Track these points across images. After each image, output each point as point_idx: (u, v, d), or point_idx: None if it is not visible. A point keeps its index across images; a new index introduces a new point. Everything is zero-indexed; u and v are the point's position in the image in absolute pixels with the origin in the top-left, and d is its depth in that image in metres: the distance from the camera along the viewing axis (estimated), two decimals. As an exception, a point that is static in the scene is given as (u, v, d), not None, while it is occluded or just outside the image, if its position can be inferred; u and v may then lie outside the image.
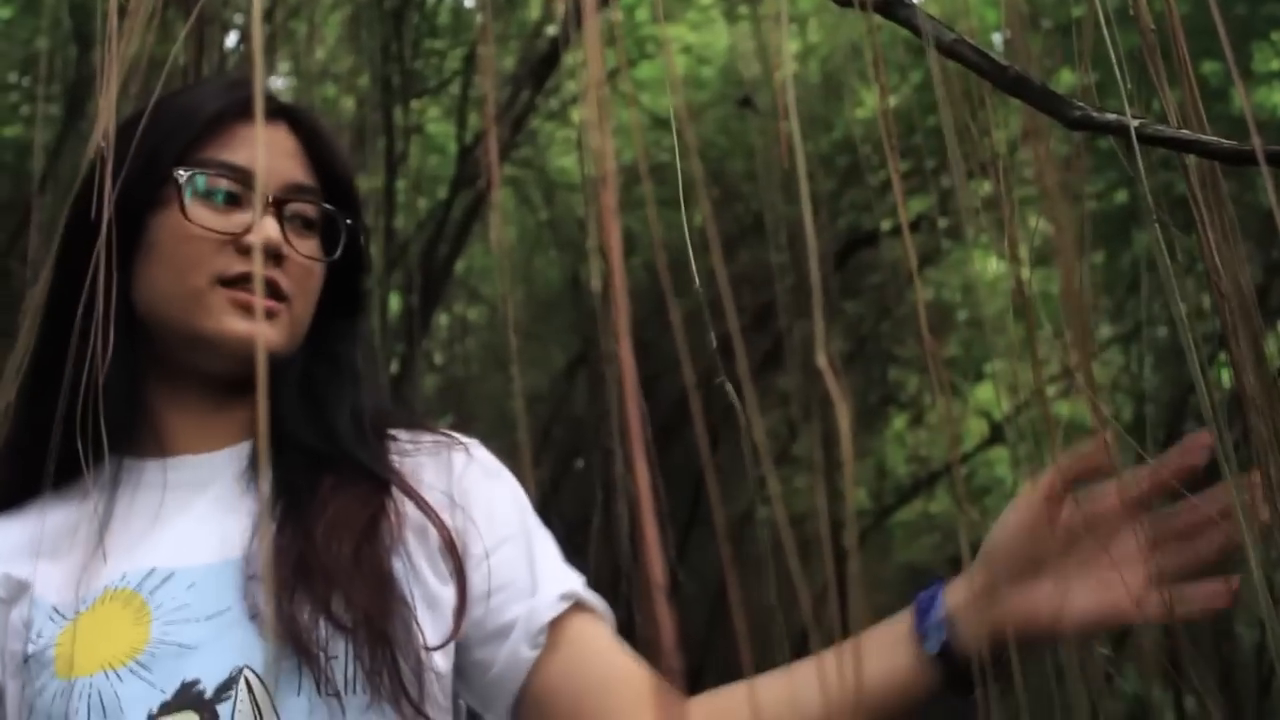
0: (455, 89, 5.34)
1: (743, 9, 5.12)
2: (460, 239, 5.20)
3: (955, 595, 1.04)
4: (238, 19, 3.81)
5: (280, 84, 4.48)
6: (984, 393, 6.94)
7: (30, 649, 1.06)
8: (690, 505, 5.35)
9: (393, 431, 1.19)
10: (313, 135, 1.20)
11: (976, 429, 6.86)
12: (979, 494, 7.09)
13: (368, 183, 4.58)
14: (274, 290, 1.13)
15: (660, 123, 5.45)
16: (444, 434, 1.21)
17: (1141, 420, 7.02)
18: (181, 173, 1.12)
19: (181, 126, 1.14)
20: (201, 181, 1.13)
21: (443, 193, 5.40)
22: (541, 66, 4.81)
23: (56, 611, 1.07)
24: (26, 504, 1.15)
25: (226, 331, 1.11)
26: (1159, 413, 7.05)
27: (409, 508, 1.12)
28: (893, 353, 6.64)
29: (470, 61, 5.16)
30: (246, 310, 1.11)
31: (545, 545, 1.16)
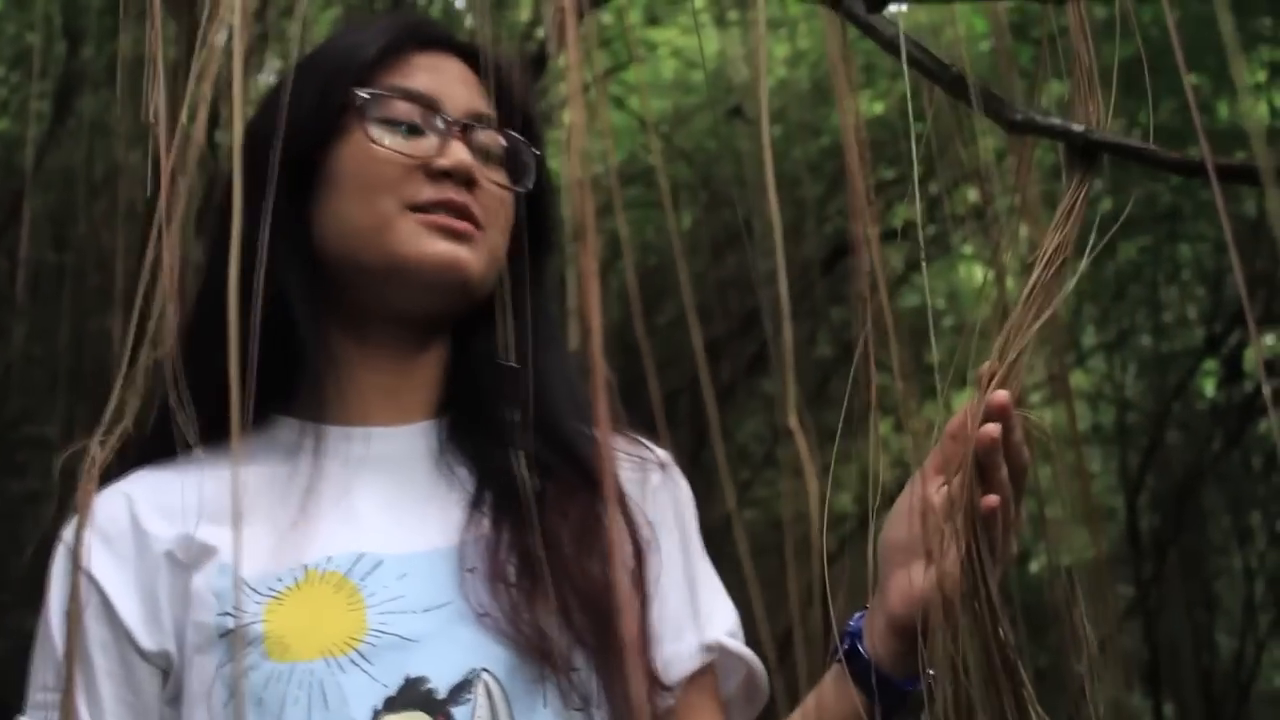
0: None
1: (733, 14, 5.13)
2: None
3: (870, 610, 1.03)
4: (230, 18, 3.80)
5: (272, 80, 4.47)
6: (967, 399, 6.94)
7: (230, 623, 0.96)
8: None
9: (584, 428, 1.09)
10: (489, 66, 1.09)
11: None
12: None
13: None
14: (468, 216, 1.04)
15: (648, 126, 5.45)
16: (641, 443, 1.13)
17: (1124, 428, 7.05)
18: (362, 94, 1.04)
19: (354, 56, 1.05)
20: (382, 106, 1.04)
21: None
22: (531, 68, 4.81)
23: (249, 586, 0.97)
24: (180, 459, 1.03)
25: (425, 253, 1.02)
26: (1141, 420, 7.08)
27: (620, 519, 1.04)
28: (878, 358, 6.64)
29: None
30: (443, 231, 1.02)
31: (706, 585, 1.10)
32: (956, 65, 0.76)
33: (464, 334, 1.08)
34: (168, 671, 0.98)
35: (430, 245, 1.02)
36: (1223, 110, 4.04)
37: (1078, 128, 0.76)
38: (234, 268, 0.68)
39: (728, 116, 5.28)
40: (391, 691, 0.94)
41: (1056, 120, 0.77)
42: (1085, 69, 0.78)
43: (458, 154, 1.03)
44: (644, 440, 1.13)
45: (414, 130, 1.04)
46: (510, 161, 1.09)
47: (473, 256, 1.03)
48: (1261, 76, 4.08)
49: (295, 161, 1.00)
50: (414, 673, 0.94)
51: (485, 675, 0.95)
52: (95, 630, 0.98)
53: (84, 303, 4.62)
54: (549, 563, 0.96)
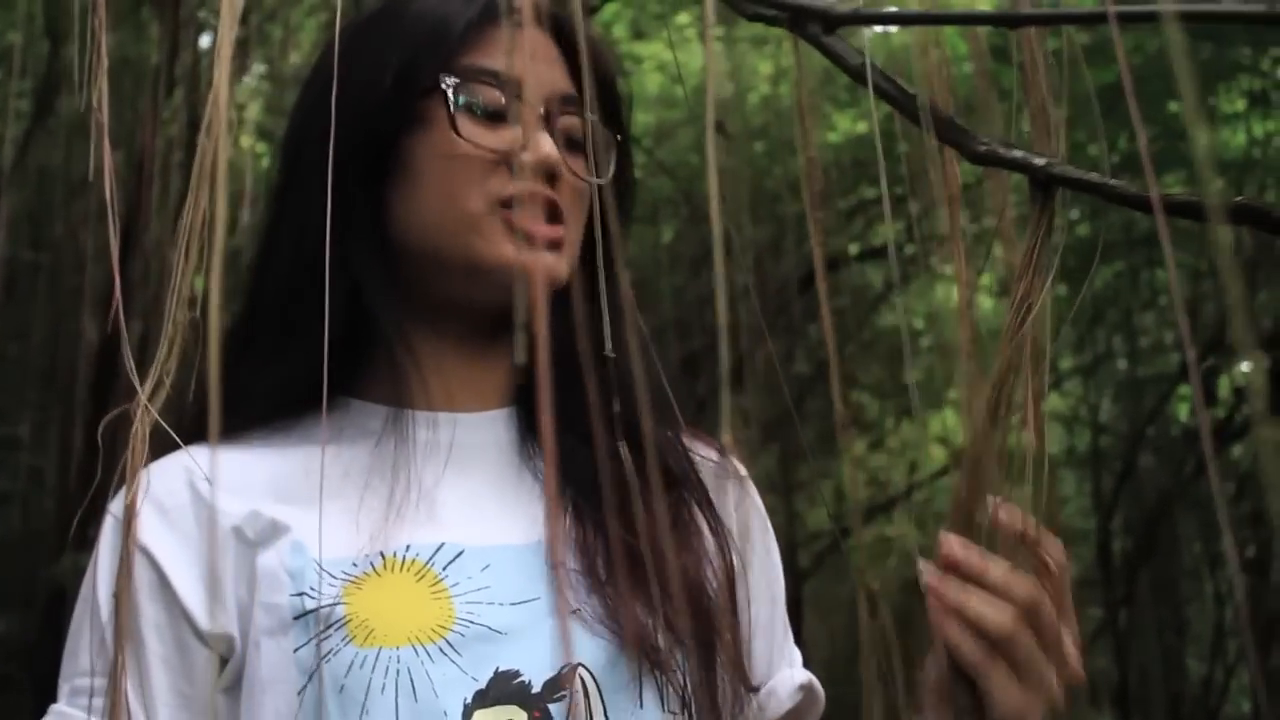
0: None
1: (717, 29, 5.15)
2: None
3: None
4: (212, 20, 3.80)
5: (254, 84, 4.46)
6: (948, 419, 6.99)
7: (308, 604, 0.89)
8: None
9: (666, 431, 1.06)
10: (576, 40, 1.02)
11: (939, 455, 6.90)
12: (937, 519, 7.12)
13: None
14: (552, 214, 0.98)
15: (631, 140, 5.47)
16: (719, 451, 1.09)
17: (1098, 451, 7.09)
18: (448, 83, 0.98)
19: (439, 32, 1.00)
20: (468, 94, 0.99)
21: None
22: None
23: (322, 568, 0.91)
24: (240, 437, 0.98)
25: (511, 260, 0.97)
26: (1115, 444, 7.12)
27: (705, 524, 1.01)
28: (855, 376, 6.67)
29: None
30: (525, 237, 0.97)
31: (784, 615, 1.09)
32: (921, 94, 0.77)
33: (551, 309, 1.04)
34: (226, 658, 0.92)
35: (512, 253, 0.97)
36: (1200, 140, 4.06)
37: (1039, 161, 0.76)
38: (217, 260, 0.64)
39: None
40: (481, 685, 0.89)
41: (1019, 153, 0.77)
42: (1040, 102, 0.78)
43: (543, 147, 0.98)
44: (724, 449, 1.09)
45: (496, 116, 0.99)
46: (591, 147, 1.03)
47: (557, 262, 0.99)
48: (1241, 105, 4.11)
49: (371, 143, 0.98)
50: (504, 666, 0.90)
51: (581, 670, 0.91)
52: (149, 610, 0.91)
53: (59, 303, 4.60)
54: (646, 561, 0.92)
